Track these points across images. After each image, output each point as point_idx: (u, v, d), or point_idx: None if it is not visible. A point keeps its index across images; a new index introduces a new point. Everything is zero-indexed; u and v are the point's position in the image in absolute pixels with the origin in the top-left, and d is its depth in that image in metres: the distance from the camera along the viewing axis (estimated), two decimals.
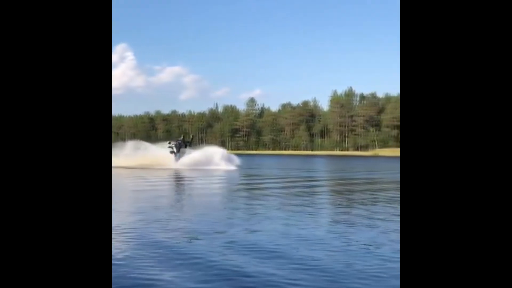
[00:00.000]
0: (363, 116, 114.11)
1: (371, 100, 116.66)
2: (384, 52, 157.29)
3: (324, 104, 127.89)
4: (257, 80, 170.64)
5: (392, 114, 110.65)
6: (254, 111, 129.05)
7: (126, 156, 26.39)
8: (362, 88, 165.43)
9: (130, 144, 28.61)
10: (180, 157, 26.85)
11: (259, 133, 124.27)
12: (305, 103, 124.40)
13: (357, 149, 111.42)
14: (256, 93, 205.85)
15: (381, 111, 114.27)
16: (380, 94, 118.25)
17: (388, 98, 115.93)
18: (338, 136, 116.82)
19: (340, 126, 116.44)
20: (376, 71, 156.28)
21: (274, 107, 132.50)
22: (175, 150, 27.18)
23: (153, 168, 24.86)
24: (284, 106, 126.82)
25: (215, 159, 26.10)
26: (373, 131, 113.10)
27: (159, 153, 27.25)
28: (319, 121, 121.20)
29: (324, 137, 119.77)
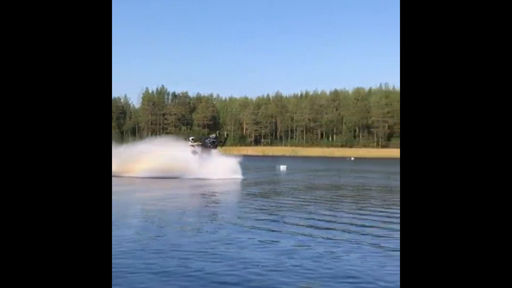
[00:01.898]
0: (175, 114, 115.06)
1: (183, 99, 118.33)
2: (197, 51, 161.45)
3: (136, 101, 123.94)
4: None
5: (203, 113, 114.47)
6: None
7: (119, 157, 17.17)
8: (174, 87, 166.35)
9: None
10: (207, 159, 18.91)
11: None
12: (116, 100, 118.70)
13: None
14: None
15: (192, 110, 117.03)
16: (192, 94, 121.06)
17: (199, 98, 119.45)
18: (150, 134, 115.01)
19: (152, 124, 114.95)
20: (187, 70, 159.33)
21: None
22: (198, 150, 19.51)
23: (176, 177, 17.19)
24: None
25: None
26: (184, 130, 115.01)
27: (175, 155, 18.44)
28: (130, 118, 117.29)
29: (135, 135, 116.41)
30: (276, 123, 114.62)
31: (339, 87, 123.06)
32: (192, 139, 20.34)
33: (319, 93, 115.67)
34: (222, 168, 18.33)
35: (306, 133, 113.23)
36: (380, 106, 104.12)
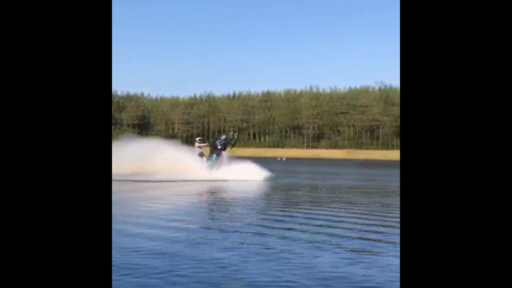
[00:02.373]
0: None
1: (112, 99, 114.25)
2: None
3: None
4: None
5: (133, 113, 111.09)
6: None
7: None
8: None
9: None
10: (216, 162, 17.44)
11: None
12: None
13: None
14: None
15: (122, 109, 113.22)
16: (120, 93, 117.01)
17: (129, 97, 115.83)
18: None
19: None
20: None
21: None
22: (206, 152, 18.07)
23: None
24: None
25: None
26: (114, 129, 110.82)
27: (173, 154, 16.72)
28: None
29: None
30: (208, 123, 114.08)
31: (271, 88, 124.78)
32: (199, 140, 19.31)
33: (251, 94, 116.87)
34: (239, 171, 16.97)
35: (238, 133, 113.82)
36: (310, 108, 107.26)
